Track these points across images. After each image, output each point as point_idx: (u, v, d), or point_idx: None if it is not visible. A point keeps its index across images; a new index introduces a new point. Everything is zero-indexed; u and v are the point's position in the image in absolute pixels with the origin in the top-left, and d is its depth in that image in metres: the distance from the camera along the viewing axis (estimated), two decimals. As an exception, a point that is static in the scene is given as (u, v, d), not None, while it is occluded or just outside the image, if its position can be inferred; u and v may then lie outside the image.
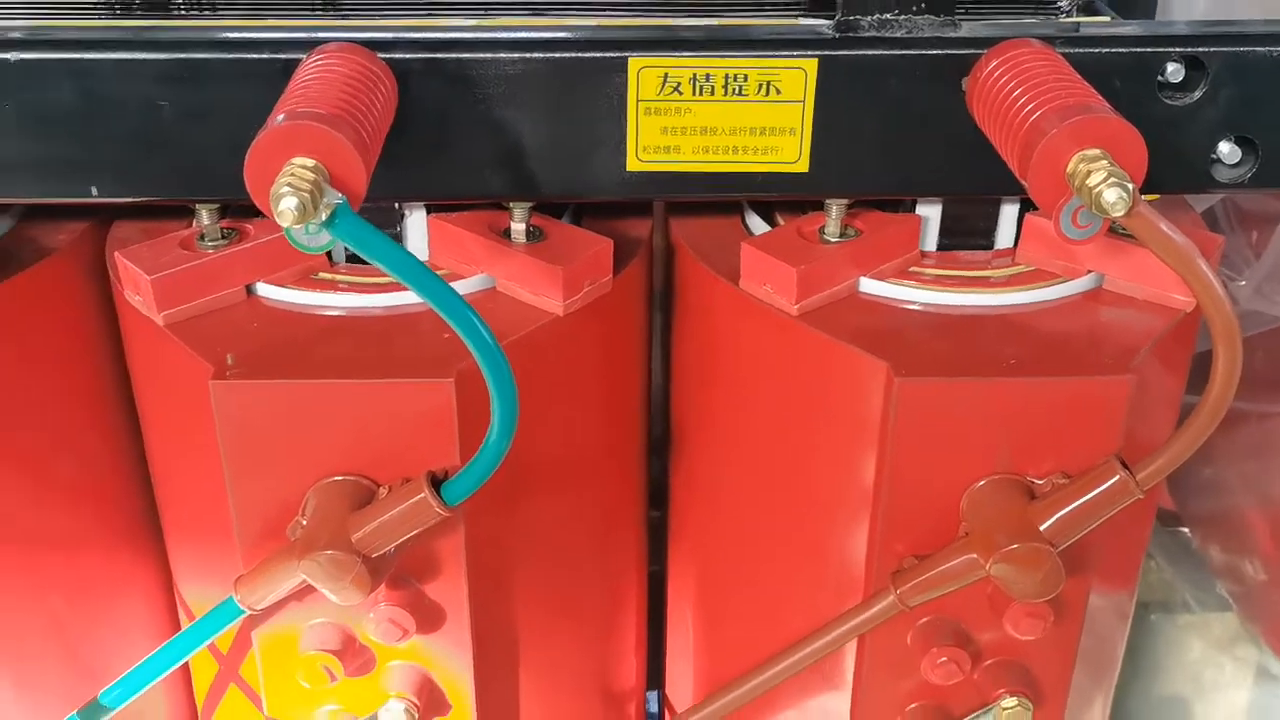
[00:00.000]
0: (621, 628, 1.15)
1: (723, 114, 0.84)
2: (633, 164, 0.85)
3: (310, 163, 0.69)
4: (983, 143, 0.81)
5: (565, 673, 1.08)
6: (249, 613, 0.86)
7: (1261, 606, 1.30)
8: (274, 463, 0.84)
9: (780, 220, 0.96)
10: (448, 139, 0.84)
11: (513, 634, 0.98)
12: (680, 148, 0.85)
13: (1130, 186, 0.67)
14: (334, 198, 0.68)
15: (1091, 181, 0.68)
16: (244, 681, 0.99)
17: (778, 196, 0.90)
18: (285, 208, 0.66)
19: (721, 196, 0.92)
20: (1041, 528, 0.80)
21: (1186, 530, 1.48)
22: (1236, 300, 1.15)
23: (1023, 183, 0.73)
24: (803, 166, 0.86)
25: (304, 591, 0.87)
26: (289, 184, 0.66)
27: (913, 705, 0.95)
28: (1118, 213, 0.67)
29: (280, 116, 0.70)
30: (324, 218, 0.68)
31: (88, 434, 1.03)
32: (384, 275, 0.92)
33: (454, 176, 0.86)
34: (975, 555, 0.82)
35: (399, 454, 0.83)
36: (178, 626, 1.15)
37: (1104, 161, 0.69)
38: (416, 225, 0.93)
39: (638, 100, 0.83)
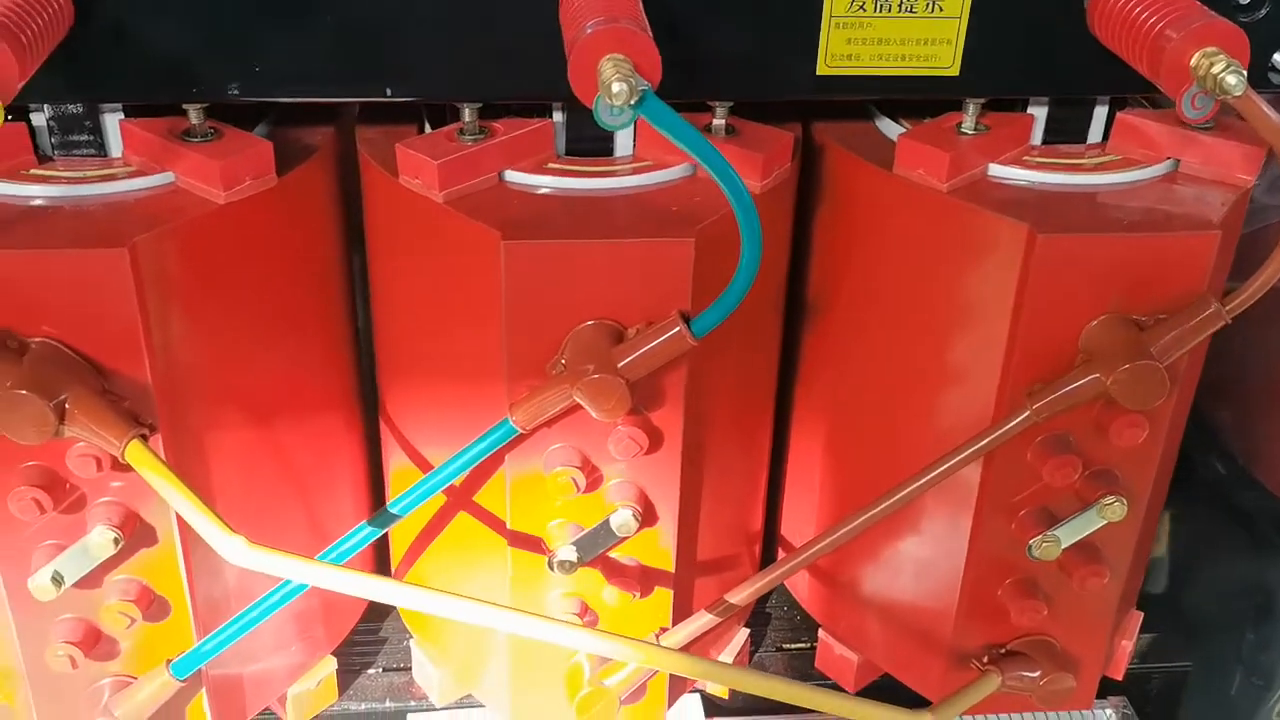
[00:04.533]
0: (756, 478, 1.37)
1: (896, 27, 1.05)
2: (822, 69, 1.06)
3: (622, 57, 0.88)
4: (1098, 51, 1.03)
5: (727, 506, 1.30)
6: (520, 431, 1.06)
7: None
8: (543, 310, 1.04)
9: (906, 125, 1.18)
10: (677, 48, 1.03)
11: (700, 464, 1.19)
12: (860, 56, 1.06)
13: (1244, 73, 0.90)
14: (642, 84, 0.88)
15: (1215, 70, 0.90)
16: (479, 506, 1.18)
17: (931, 97, 1.11)
18: (618, 90, 0.86)
19: (889, 96, 1.13)
20: (1152, 349, 1.03)
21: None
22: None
23: (1150, 80, 0.96)
24: (954, 71, 1.07)
25: (556, 417, 1.07)
26: (617, 72, 0.86)
27: (1024, 511, 1.18)
28: (1237, 93, 0.90)
29: (591, 25, 0.90)
30: (633, 100, 0.88)
31: (330, 312, 1.22)
32: (596, 164, 1.12)
33: (677, 81, 1.05)
34: (1098, 375, 1.05)
35: (644, 301, 1.04)
36: (380, 483, 1.35)
37: (1222, 56, 0.91)
38: (630, 123, 1.13)
39: (830, 16, 1.04)
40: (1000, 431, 1.09)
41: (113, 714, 1.12)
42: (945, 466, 1.12)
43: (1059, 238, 1.04)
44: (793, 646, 1.46)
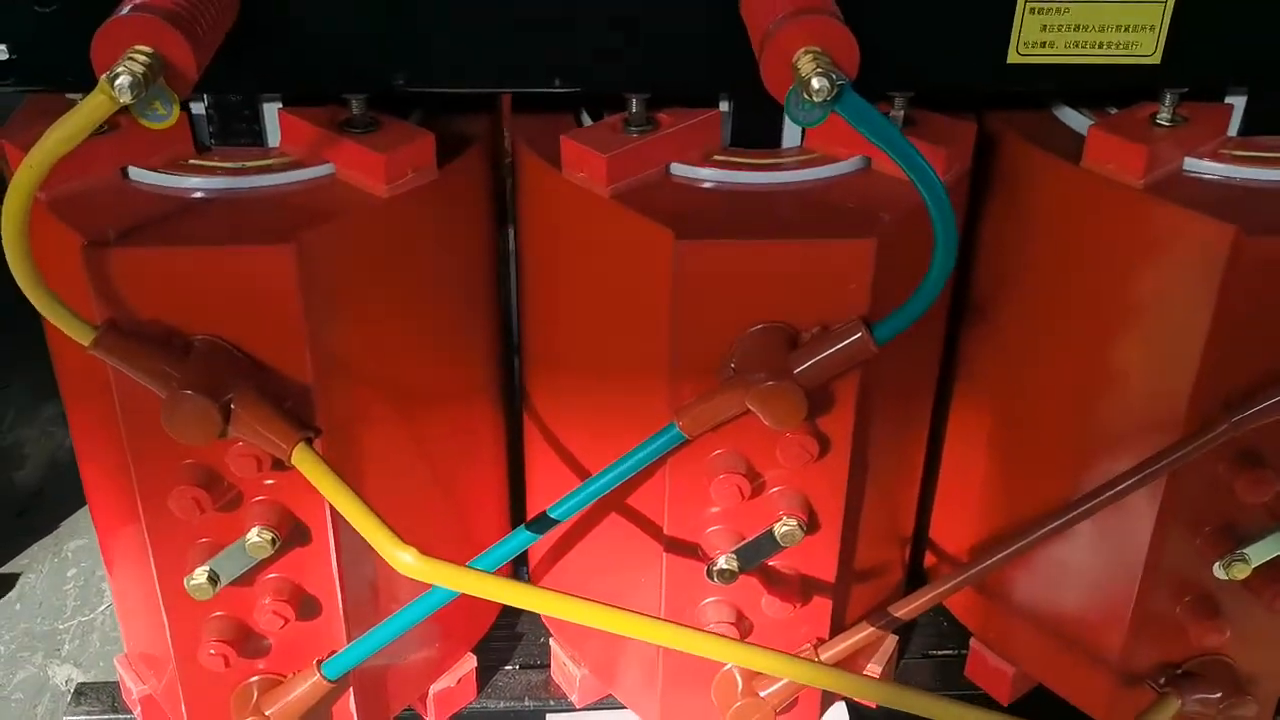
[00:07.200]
0: (912, 481, 1.31)
1: (1095, 13, 0.98)
2: (1013, 57, 1.00)
3: (820, 50, 0.83)
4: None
5: (884, 511, 1.25)
6: (687, 438, 1.01)
7: None
8: (713, 311, 0.99)
9: (1089, 114, 1.11)
10: (860, 35, 0.97)
11: (864, 470, 1.14)
12: (1055, 43, 1.00)
13: None
14: (842, 78, 0.83)
15: None
16: (633, 510, 1.15)
17: (1129, 87, 1.04)
18: (819, 85, 0.80)
19: (1082, 88, 1.06)
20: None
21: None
22: None
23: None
24: (1156, 59, 1.00)
25: (723, 423, 1.02)
26: (819, 66, 0.81)
27: (1209, 527, 1.12)
28: None
29: (786, 15, 0.84)
30: (832, 96, 0.82)
31: (479, 308, 1.18)
32: (764, 157, 1.07)
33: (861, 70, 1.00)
34: (1312, 385, 0.98)
35: (820, 303, 0.98)
36: (517, 479, 1.32)
37: None
38: (799, 116, 1.07)
39: (1025, 1, 0.98)
40: (1195, 445, 1.03)
41: (264, 713, 1.10)
42: (1134, 480, 1.06)
43: (1269, 240, 0.97)
44: (940, 653, 1.41)
